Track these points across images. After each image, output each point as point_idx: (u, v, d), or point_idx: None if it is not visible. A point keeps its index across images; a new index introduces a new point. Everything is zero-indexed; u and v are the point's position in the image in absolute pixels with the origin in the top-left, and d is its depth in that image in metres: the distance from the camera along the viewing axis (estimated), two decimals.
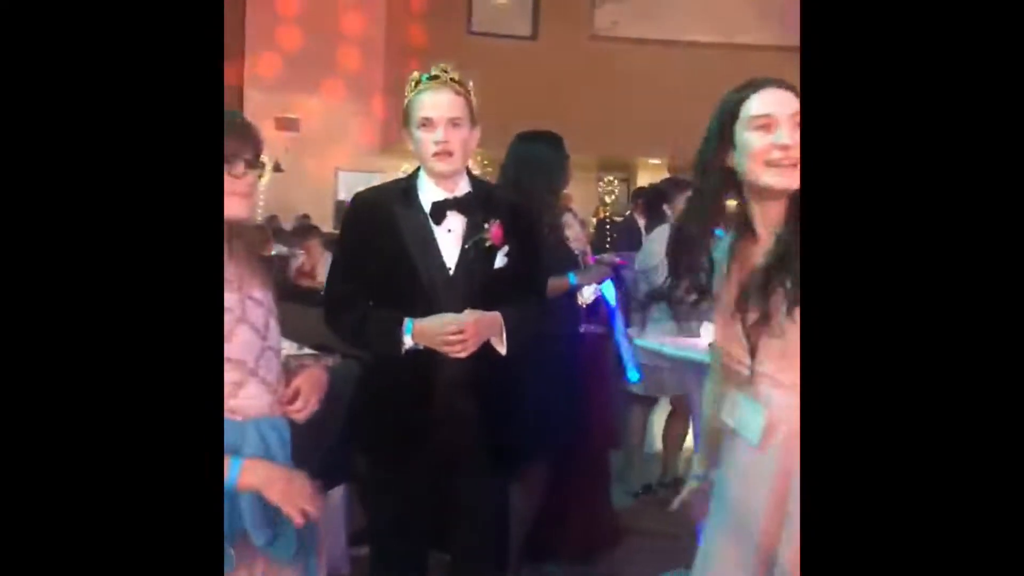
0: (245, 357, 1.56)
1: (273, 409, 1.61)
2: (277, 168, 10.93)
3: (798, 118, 1.44)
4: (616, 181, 11.81)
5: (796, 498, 1.38)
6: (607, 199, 11.08)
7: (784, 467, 1.46)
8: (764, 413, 1.51)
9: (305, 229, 7.59)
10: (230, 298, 1.55)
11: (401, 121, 2.15)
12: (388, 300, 2.10)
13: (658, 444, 4.53)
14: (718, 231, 1.62)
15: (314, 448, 1.75)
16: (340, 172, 12.95)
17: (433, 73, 2.09)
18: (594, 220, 10.30)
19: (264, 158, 1.62)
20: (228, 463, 1.47)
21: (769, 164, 1.48)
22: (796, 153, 1.44)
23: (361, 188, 2.35)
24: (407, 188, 2.16)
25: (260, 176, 1.61)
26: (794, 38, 1.24)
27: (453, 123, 2.07)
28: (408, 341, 2.05)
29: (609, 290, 3.43)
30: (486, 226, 2.10)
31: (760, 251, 1.54)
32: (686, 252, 1.60)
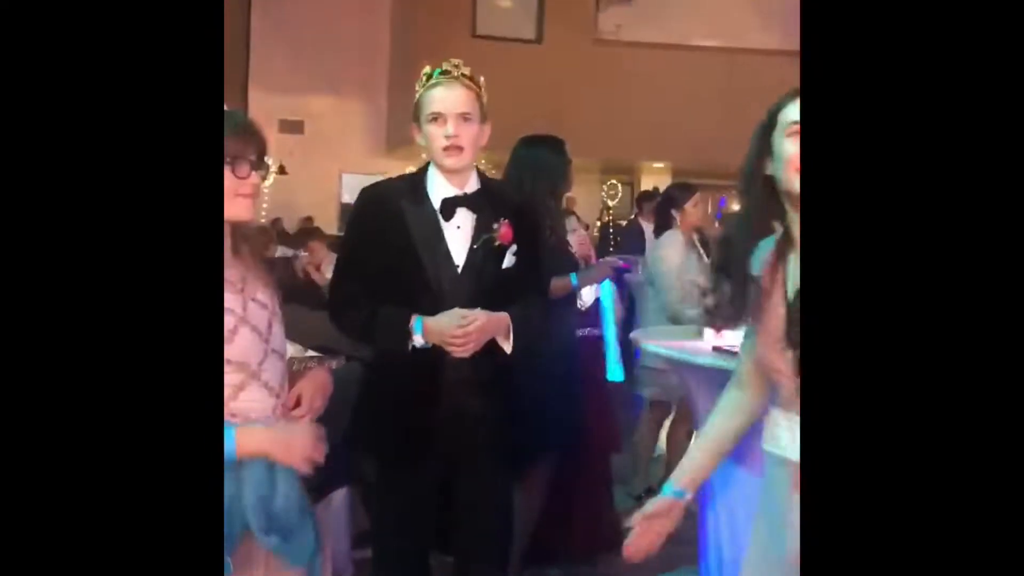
0: (247, 359, 1.54)
1: (276, 413, 1.58)
2: (281, 171, 10.95)
3: None
4: (620, 184, 11.79)
5: None
6: (611, 202, 11.06)
7: None
8: None
9: (309, 231, 7.60)
10: (232, 299, 1.53)
11: (412, 116, 2.13)
12: (393, 296, 2.08)
13: (662, 447, 4.52)
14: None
15: None
16: (344, 175, 12.98)
17: (444, 68, 2.08)
18: (598, 223, 10.31)
19: (268, 159, 1.62)
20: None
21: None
22: None
23: None
24: (416, 183, 2.14)
25: (264, 177, 1.60)
26: (796, 43, 1.24)
27: (464, 118, 2.06)
28: (418, 339, 2.04)
29: (607, 290, 3.42)
30: (495, 225, 2.09)
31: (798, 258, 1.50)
32: (730, 265, 1.57)
